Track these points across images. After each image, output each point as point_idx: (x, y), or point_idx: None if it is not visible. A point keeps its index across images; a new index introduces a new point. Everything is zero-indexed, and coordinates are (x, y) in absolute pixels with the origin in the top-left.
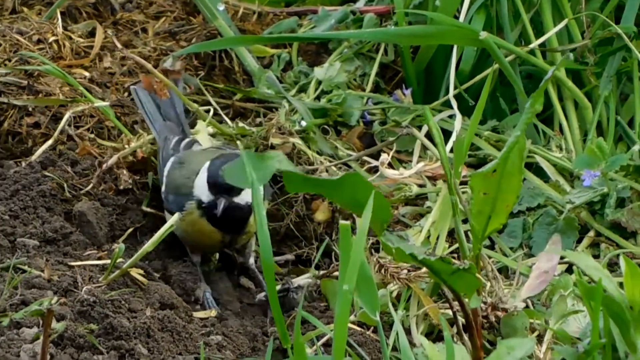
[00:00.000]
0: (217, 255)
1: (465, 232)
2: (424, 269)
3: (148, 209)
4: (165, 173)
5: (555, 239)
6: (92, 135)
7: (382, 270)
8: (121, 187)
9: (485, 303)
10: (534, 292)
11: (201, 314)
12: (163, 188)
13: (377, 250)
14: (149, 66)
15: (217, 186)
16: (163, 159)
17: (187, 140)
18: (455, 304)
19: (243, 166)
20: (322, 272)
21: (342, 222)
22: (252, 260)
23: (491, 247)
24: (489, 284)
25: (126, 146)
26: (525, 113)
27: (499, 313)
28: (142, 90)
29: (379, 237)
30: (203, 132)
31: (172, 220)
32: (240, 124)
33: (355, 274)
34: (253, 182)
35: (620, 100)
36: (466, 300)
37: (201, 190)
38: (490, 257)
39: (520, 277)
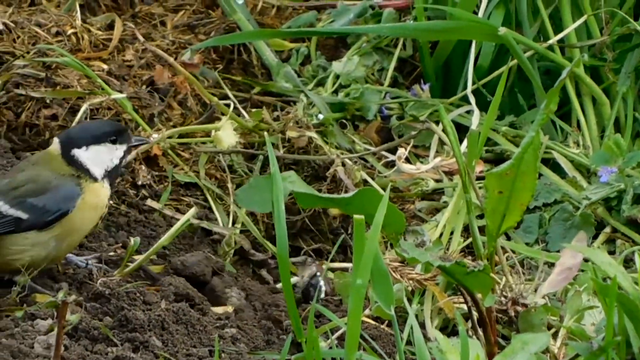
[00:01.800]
0: (233, 246)
1: (481, 228)
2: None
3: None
4: None
5: (580, 236)
6: None
7: (395, 272)
8: (139, 183)
9: (505, 297)
10: (555, 288)
11: (217, 309)
12: None
13: (392, 246)
14: (170, 59)
15: None
16: None
17: None
18: (470, 299)
19: (257, 189)
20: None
21: (356, 216)
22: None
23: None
24: (505, 279)
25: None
26: (540, 113)
27: (519, 308)
28: None
29: (394, 247)
30: (227, 127)
31: (189, 214)
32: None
33: (368, 268)
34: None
35: (638, 97)
36: (480, 297)
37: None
38: (513, 252)
39: (541, 272)
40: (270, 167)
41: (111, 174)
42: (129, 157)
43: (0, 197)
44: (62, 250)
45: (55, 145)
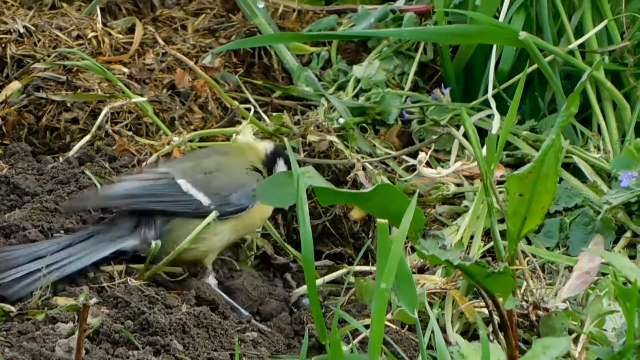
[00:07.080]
0: (254, 251)
1: (502, 232)
2: (457, 274)
3: None
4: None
5: (597, 239)
6: (130, 133)
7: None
8: None
9: (526, 302)
10: (575, 292)
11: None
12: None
13: (413, 250)
14: (190, 63)
15: None
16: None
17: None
18: (491, 302)
19: (276, 185)
20: (356, 270)
21: (379, 220)
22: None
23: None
24: (525, 283)
25: (166, 146)
26: (561, 116)
27: (540, 312)
28: None
29: (414, 245)
30: (247, 131)
31: (209, 217)
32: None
33: (393, 272)
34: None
35: None
36: (501, 300)
37: None
38: (534, 256)
39: (562, 276)
40: (293, 169)
41: None
42: (151, 159)
43: (184, 177)
44: (230, 242)
45: (266, 144)
